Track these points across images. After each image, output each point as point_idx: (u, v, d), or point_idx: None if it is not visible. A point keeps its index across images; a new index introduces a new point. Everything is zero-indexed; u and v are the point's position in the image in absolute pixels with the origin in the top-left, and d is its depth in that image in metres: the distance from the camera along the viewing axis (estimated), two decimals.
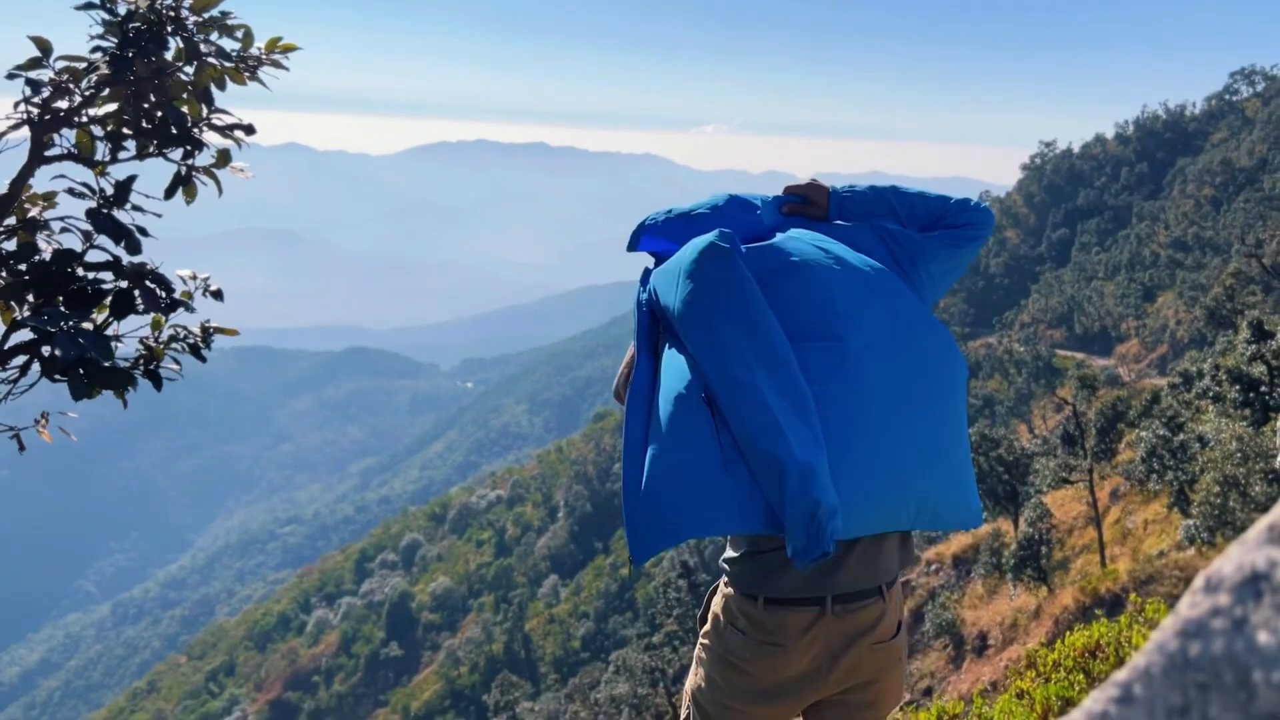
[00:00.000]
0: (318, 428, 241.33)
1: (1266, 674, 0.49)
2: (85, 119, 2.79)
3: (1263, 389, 19.17)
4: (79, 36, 2.83)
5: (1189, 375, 29.82)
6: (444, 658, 69.46)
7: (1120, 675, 0.57)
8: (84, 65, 2.76)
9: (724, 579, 2.39)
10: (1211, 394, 23.83)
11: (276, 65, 2.93)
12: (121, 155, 2.87)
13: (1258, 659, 0.50)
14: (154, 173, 3.08)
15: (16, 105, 2.74)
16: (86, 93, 2.78)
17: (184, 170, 2.95)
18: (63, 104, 2.76)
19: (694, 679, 2.43)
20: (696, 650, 2.45)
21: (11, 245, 2.77)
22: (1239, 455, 16.90)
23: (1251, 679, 0.50)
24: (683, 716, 2.51)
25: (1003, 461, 25.78)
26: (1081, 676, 4.78)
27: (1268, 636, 0.50)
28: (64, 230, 2.77)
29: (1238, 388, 19.81)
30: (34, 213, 2.80)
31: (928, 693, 18.48)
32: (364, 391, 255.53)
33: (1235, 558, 0.55)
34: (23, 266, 2.71)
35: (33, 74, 2.74)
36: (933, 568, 26.59)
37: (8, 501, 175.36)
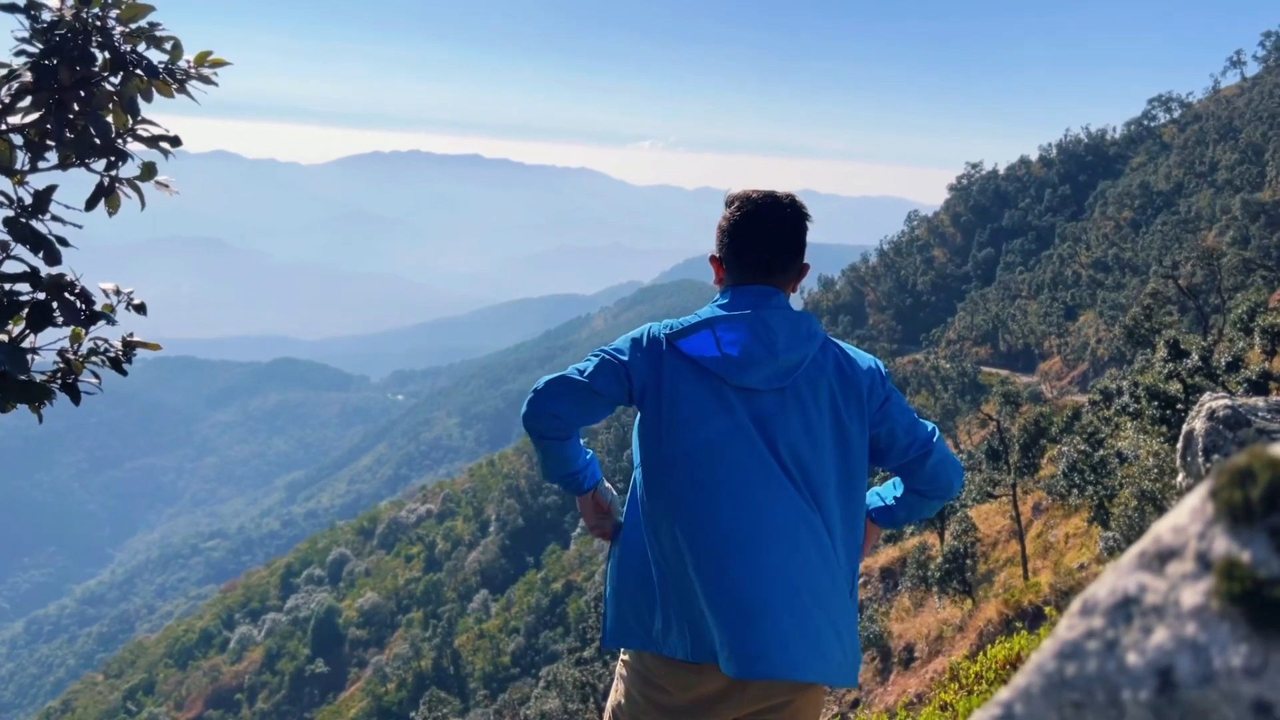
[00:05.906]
0: (243, 440, 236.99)
1: (1134, 693, 0.51)
2: (5, 127, 2.72)
3: (1179, 406, 19.72)
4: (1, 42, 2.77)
5: (1108, 392, 30.61)
6: (371, 674, 68.46)
7: (1002, 694, 0.59)
8: (4, 72, 2.70)
9: None
10: (1130, 411, 24.48)
11: (205, 80, 2.89)
12: (42, 165, 2.80)
13: (1127, 679, 0.52)
14: (75, 182, 3.02)
15: None
16: (6, 99, 2.71)
17: (107, 181, 2.89)
18: None
19: (615, 695, 2.51)
20: (617, 668, 2.53)
21: None
22: (1156, 471, 17.39)
23: (1121, 698, 0.52)
24: None
25: None
26: (1002, 688, 4.87)
27: (1136, 658, 0.52)
28: None
29: (1155, 405, 20.36)
30: None
31: (854, 705, 18.64)
32: (291, 403, 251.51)
33: (1109, 582, 0.57)
34: None
35: None
36: (860, 580, 26.88)
37: None
